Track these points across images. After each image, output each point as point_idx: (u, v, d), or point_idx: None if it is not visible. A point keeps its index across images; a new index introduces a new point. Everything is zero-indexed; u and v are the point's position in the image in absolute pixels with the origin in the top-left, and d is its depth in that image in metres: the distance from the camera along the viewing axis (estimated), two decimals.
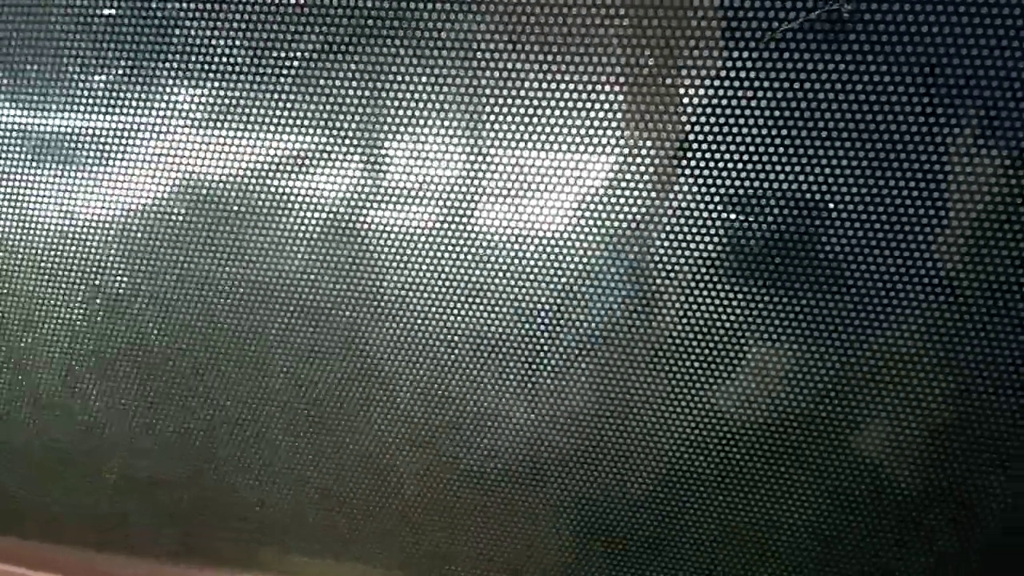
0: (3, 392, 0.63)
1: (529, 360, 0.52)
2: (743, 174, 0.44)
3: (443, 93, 0.46)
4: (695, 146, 0.44)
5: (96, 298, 0.57)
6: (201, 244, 0.53)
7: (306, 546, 0.65)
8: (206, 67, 0.48)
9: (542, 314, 0.50)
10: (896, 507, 0.51)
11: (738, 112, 0.43)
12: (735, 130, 0.43)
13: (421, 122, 0.47)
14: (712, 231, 0.46)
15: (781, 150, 0.43)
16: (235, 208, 0.51)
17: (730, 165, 0.44)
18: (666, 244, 0.47)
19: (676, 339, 0.49)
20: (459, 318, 0.52)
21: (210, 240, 0.53)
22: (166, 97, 0.49)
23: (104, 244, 0.55)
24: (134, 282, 0.55)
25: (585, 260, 0.48)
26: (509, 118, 0.46)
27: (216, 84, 0.48)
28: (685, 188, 0.45)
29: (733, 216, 0.45)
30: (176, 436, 0.61)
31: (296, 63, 0.47)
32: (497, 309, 0.51)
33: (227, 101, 0.48)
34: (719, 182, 0.44)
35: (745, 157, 0.44)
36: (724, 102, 0.43)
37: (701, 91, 0.43)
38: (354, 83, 0.47)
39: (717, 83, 0.42)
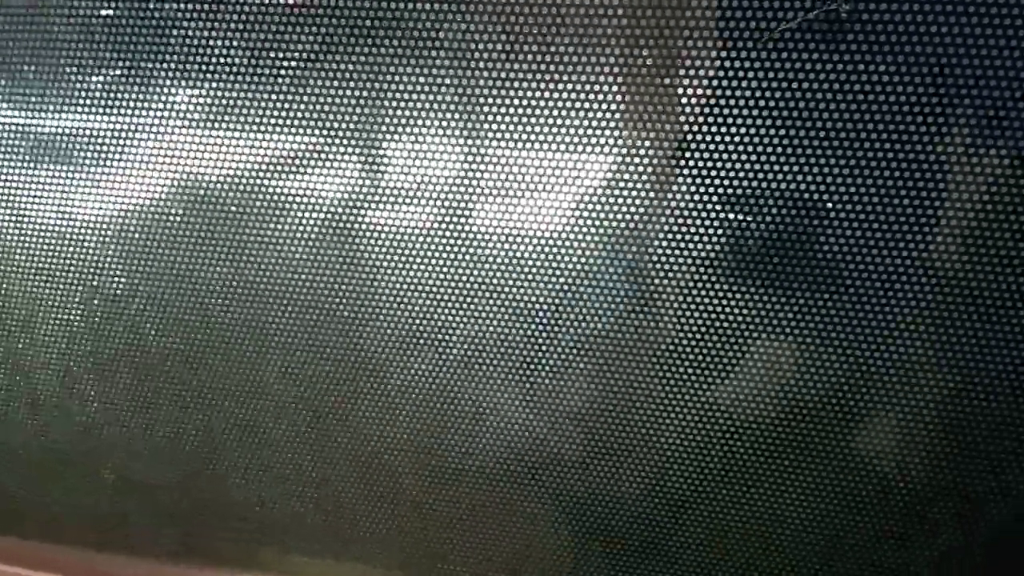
0: (2, 393, 0.63)
1: (527, 359, 0.52)
2: (741, 173, 0.44)
3: (440, 93, 0.46)
4: (693, 145, 0.44)
5: (94, 298, 0.57)
6: (198, 244, 0.53)
7: (306, 546, 0.65)
8: (203, 68, 0.48)
9: (540, 313, 0.50)
10: (900, 503, 0.51)
11: (736, 112, 0.42)
12: (733, 129, 0.43)
13: (418, 122, 0.47)
14: (710, 230, 0.46)
15: (780, 149, 0.43)
16: (232, 208, 0.51)
17: (728, 164, 0.44)
18: (664, 243, 0.47)
19: (674, 338, 0.49)
20: (457, 317, 0.52)
21: (207, 240, 0.53)
22: (163, 98, 0.49)
23: (102, 244, 0.55)
24: (132, 282, 0.55)
25: (582, 259, 0.48)
26: (506, 118, 0.45)
27: (213, 85, 0.48)
28: (683, 187, 0.45)
29: (732, 215, 0.45)
30: (174, 436, 0.61)
31: (293, 63, 0.47)
32: (495, 308, 0.51)
33: (224, 101, 0.48)
34: (717, 181, 0.44)
35: (744, 156, 0.43)
36: (723, 101, 0.42)
37: (699, 91, 0.43)
38: (351, 83, 0.46)
39: (715, 83, 0.42)
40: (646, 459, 0.54)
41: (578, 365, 0.51)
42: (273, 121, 0.48)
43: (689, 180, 0.45)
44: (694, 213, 0.45)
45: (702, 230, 0.46)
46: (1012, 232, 0.43)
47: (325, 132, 0.48)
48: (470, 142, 0.47)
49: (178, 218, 0.52)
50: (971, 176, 0.42)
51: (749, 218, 0.45)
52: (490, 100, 0.45)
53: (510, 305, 0.50)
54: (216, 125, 0.49)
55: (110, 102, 0.50)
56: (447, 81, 0.45)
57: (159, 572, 0.69)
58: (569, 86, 0.44)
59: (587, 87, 0.44)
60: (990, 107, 0.40)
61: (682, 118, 0.43)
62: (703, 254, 0.46)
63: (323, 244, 0.51)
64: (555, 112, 0.45)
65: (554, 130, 0.45)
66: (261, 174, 0.50)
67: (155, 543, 0.68)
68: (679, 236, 0.46)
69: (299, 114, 0.48)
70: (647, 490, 0.55)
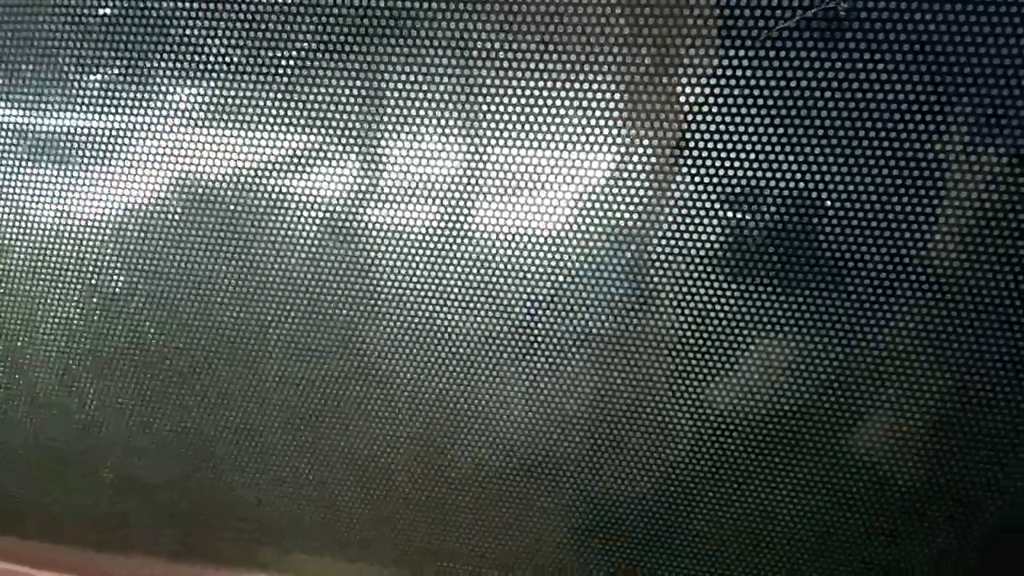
0: (1, 392, 0.63)
1: (526, 358, 0.52)
2: (740, 171, 0.44)
3: (440, 91, 0.46)
4: (692, 144, 0.44)
5: (93, 297, 0.57)
6: (198, 243, 0.53)
7: (305, 544, 0.65)
8: (202, 66, 0.48)
9: (538, 312, 0.50)
10: (894, 504, 0.51)
11: (735, 110, 0.42)
12: (732, 128, 0.43)
13: (418, 120, 0.47)
14: (710, 228, 0.46)
15: (778, 148, 0.43)
16: (232, 207, 0.51)
17: (728, 163, 0.44)
18: (664, 241, 0.47)
19: (673, 337, 0.49)
20: (456, 316, 0.51)
21: (207, 239, 0.53)
22: (163, 96, 0.49)
23: (101, 243, 0.55)
24: (131, 281, 0.55)
25: (582, 258, 0.48)
26: (506, 116, 0.45)
27: (212, 83, 0.48)
28: (683, 186, 0.45)
29: (731, 213, 0.45)
30: (174, 435, 0.61)
31: (292, 62, 0.47)
32: (495, 307, 0.51)
33: (223, 100, 0.48)
34: (716, 179, 0.44)
35: (743, 155, 0.43)
36: (721, 100, 0.42)
37: (698, 89, 0.43)
38: (351, 82, 0.46)
39: (714, 81, 0.42)
40: (644, 456, 0.54)
41: (578, 363, 0.51)
42: (273, 120, 0.48)
43: (688, 178, 0.45)
44: (693, 211, 0.45)
45: (701, 228, 0.46)
46: (1011, 231, 0.42)
47: (325, 131, 0.48)
48: (471, 141, 0.47)
49: (177, 217, 0.52)
50: (971, 175, 0.42)
51: (748, 216, 0.45)
52: (490, 99, 0.45)
53: (509, 304, 0.50)
54: (215, 124, 0.49)
55: (109, 100, 0.50)
56: (448, 80, 0.45)
57: (159, 572, 0.69)
58: (569, 85, 0.44)
59: (587, 86, 0.44)
60: (989, 106, 0.40)
61: (681, 116, 0.43)
62: (702, 252, 0.46)
63: (323, 242, 0.51)
64: (555, 111, 0.45)
65: (554, 129, 0.45)
66: (261, 173, 0.50)
67: (155, 542, 0.68)
68: (679, 234, 0.46)
69: (299, 113, 0.48)
70: (645, 487, 0.55)
